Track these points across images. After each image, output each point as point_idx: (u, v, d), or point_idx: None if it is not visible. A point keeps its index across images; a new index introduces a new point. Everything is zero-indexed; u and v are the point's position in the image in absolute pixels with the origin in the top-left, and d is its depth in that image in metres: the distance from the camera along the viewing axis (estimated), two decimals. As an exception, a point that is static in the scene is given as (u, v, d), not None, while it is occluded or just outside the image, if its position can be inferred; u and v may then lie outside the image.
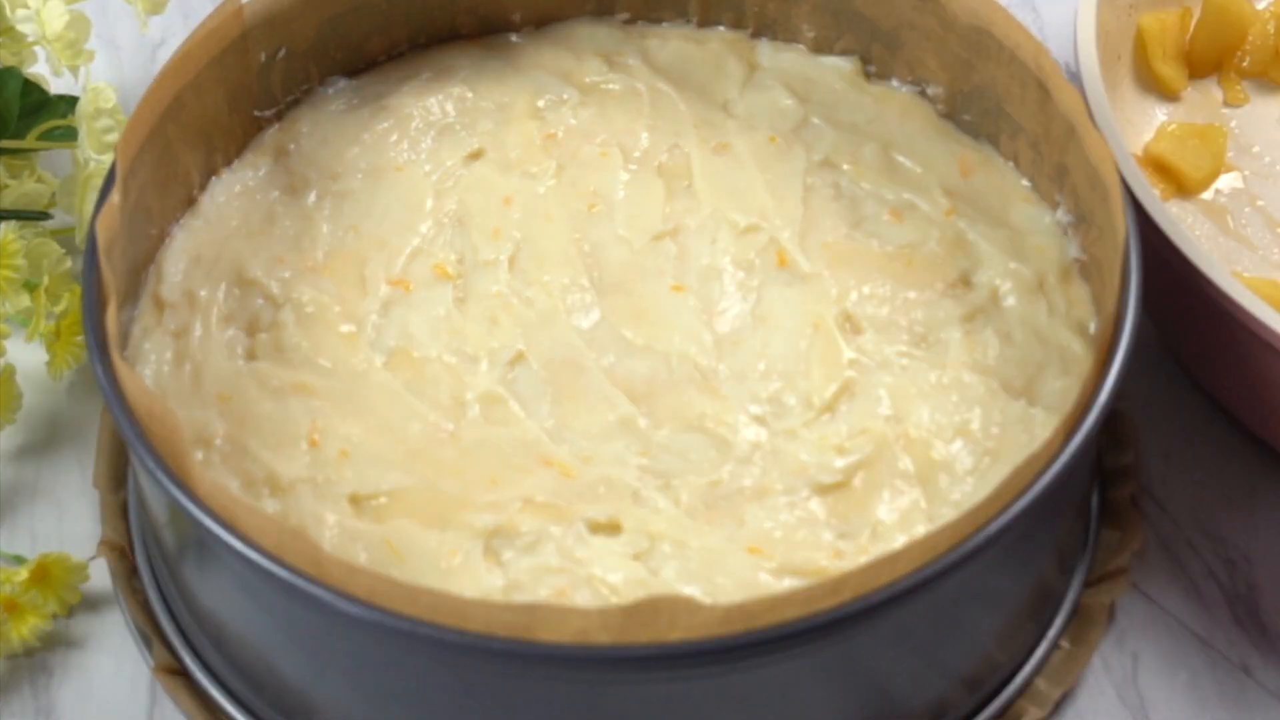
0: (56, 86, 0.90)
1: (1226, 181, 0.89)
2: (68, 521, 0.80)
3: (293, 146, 0.82)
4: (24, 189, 0.86)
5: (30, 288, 0.81)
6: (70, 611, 0.77)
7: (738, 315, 0.77)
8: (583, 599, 0.68)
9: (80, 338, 0.81)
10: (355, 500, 0.71)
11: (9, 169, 0.87)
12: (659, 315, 0.77)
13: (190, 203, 0.80)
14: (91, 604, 0.77)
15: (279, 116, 0.83)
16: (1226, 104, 0.93)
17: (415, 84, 0.85)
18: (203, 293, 0.77)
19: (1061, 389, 0.74)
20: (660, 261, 0.78)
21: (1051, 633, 0.76)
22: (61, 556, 0.76)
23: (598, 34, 0.87)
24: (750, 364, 0.75)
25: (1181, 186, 0.88)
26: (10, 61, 0.87)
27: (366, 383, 0.74)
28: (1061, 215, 0.79)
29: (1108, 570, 0.77)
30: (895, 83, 0.85)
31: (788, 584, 0.68)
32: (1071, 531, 0.76)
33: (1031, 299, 0.77)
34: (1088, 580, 0.77)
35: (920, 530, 0.69)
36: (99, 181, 0.82)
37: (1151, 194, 0.79)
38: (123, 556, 0.78)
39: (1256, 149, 0.91)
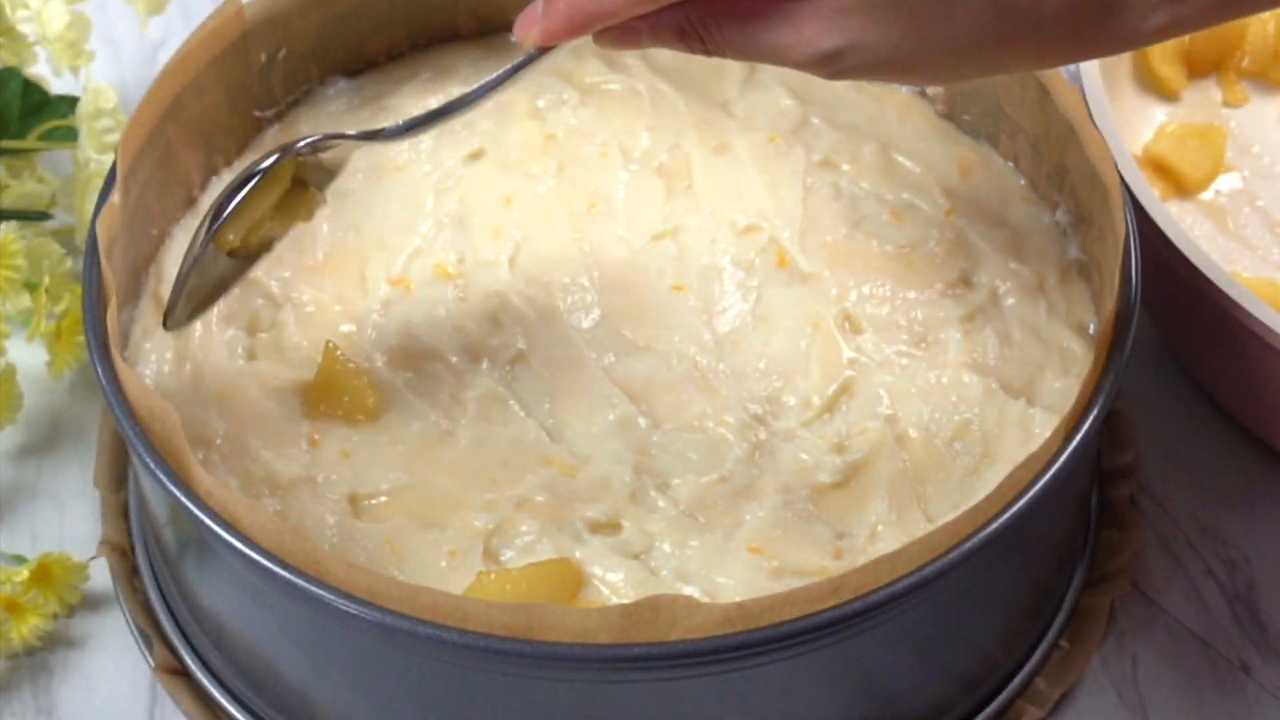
0: (57, 87, 0.90)
1: (1226, 182, 0.89)
2: (68, 521, 0.80)
3: (293, 146, 0.82)
4: (24, 189, 0.86)
5: (31, 288, 0.81)
6: (71, 611, 0.77)
7: (737, 315, 0.77)
8: (582, 598, 0.68)
9: (81, 337, 0.81)
10: (355, 500, 0.71)
11: (10, 169, 0.87)
12: (659, 315, 0.77)
13: (191, 202, 0.80)
14: (92, 604, 0.77)
15: (279, 117, 0.83)
16: (1226, 104, 0.93)
17: (415, 84, 0.85)
18: (203, 293, 0.77)
19: (1061, 389, 0.74)
20: (660, 261, 0.78)
21: (1051, 633, 0.76)
22: (62, 556, 0.76)
23: (597, 34, 0.87)
24: (750, 363, 0.75)
25: (1181, 187, 0.88)
26: (11, 62, 0.87)
27: (366, 382, 0.74)
28: (1061, 215, 0.79)
29: (1107, 570, 0.77)
30: (895, 82, 0.85)
31: (787, 584, 0.68)
32: (1071, 532, 0.76)
33: (1031, 299, 0.77)
34: (1087, 580, 0.77)
35: (920, 530, 0.69)
36: (99, 181, 0.82)
37: (1151, 194, 0.79)
38: (123, 556, 0.78)
39: (1256, 149, 0.91)
